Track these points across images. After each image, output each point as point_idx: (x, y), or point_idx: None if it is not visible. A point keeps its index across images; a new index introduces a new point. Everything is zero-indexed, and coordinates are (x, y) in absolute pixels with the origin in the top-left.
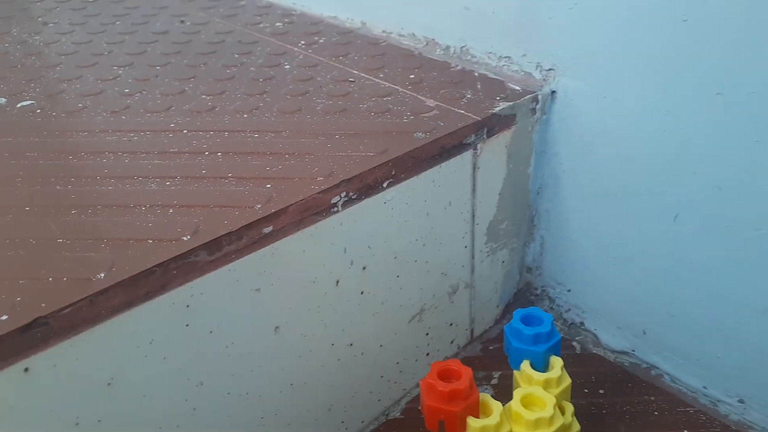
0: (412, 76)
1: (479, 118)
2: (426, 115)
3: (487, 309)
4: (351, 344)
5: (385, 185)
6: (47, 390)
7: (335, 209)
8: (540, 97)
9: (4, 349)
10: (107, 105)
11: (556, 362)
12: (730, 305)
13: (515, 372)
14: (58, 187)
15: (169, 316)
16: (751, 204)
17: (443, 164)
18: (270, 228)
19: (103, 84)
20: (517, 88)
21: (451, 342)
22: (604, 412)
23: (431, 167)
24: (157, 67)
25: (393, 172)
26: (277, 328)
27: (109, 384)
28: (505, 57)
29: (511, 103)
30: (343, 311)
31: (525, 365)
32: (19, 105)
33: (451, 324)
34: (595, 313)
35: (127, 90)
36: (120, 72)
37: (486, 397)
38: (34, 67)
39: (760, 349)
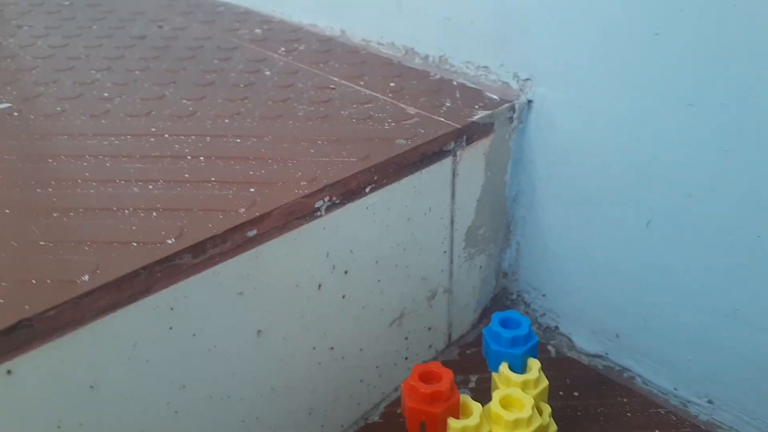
0: (392, 84)
1: (459, 126)
2: (407, 122)
3: (464, 313)
4: (332, 348)
5: (367, 190)
6: (30, 392)
7: (318, 213)
8: (517, 106)
9: None
10: (86, 108)
11: (534, 364)
12: (698, 309)
13: (494, 374)
14: (38, 190)
15: (152, 318)
16: (720, 211)
17: (424, 170)
18: (254, 231)
19: (81, 88)
20: (495, 97)
21: (430, 346)
22: (579, 413)
23: (412, 173)
24: (136, 72)
25: (375, 178)
26: (259, 331)
27: (91, 387)
28: (483, 67)
29: (489, 112)
30: (325, 315)
31: (503, 367)
32: None
33: (429, 328)
34: (570, 317)
35: (106, 94)
36: (98, 76)
37: (466, 398)
38: (10, 70)
39: (728, 352)
